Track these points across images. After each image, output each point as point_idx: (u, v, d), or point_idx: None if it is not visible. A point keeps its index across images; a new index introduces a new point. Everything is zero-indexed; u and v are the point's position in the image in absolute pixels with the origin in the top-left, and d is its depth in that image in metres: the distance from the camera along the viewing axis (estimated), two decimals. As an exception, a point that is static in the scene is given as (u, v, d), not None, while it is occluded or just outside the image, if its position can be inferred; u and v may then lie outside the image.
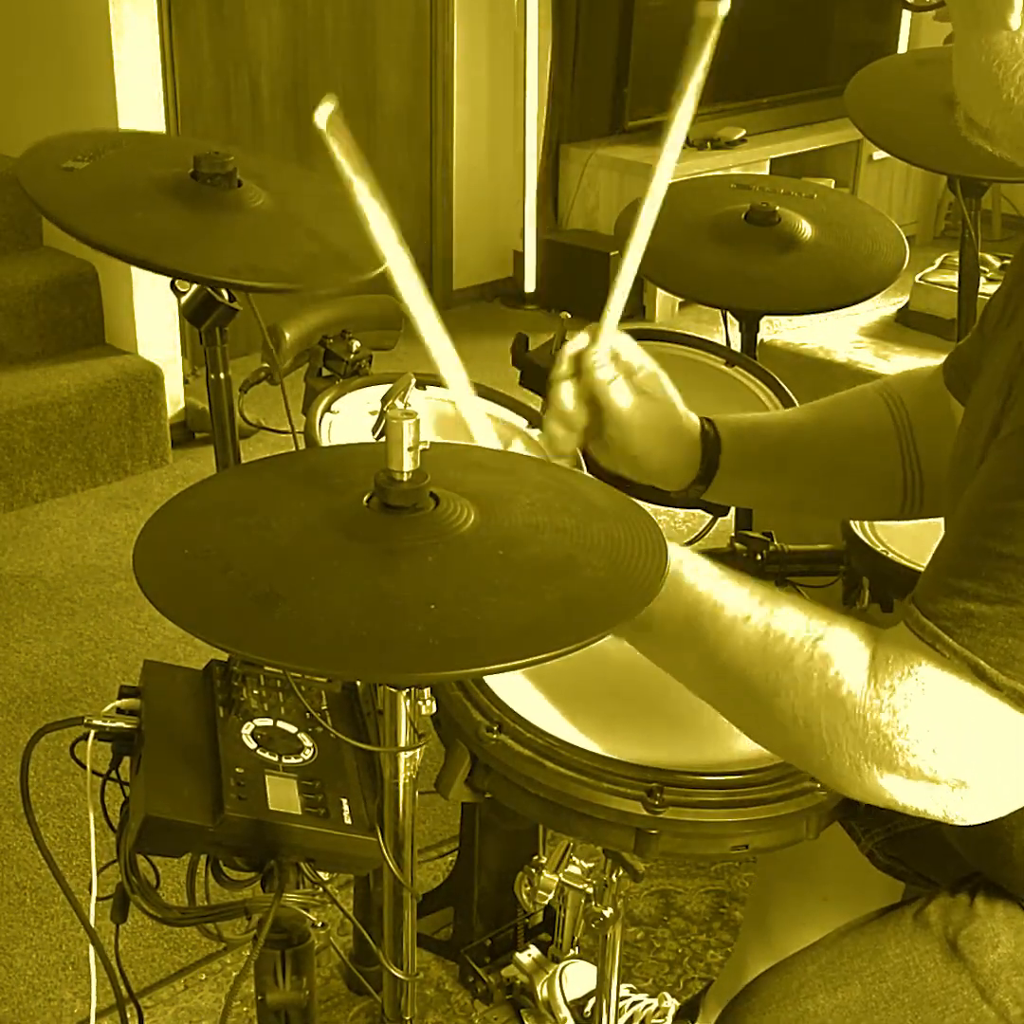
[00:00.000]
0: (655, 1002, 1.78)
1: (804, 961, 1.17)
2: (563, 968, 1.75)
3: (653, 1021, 1.67)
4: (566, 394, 1.29)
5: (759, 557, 1.88)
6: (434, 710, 1.13)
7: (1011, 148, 1.01)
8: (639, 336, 1.97)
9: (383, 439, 1.04)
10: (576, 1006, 1.73)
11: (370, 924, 1.68)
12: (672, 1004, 1.79)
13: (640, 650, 1.10)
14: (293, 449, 1.51)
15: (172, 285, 1.60)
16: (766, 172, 4.76)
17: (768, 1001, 1.14)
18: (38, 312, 3.56)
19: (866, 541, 1.70)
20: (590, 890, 1.29)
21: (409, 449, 1.02)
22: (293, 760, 1.17)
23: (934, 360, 1.38)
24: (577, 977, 1.76)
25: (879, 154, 5.04)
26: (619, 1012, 1.60)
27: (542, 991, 1.74)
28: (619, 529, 1.06)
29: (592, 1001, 1.67)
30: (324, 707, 1.24)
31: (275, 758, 1.16)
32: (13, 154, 3.66)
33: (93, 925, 1.14)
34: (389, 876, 1.19)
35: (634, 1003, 1.75)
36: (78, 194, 1.55)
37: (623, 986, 1.67)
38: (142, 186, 1.59)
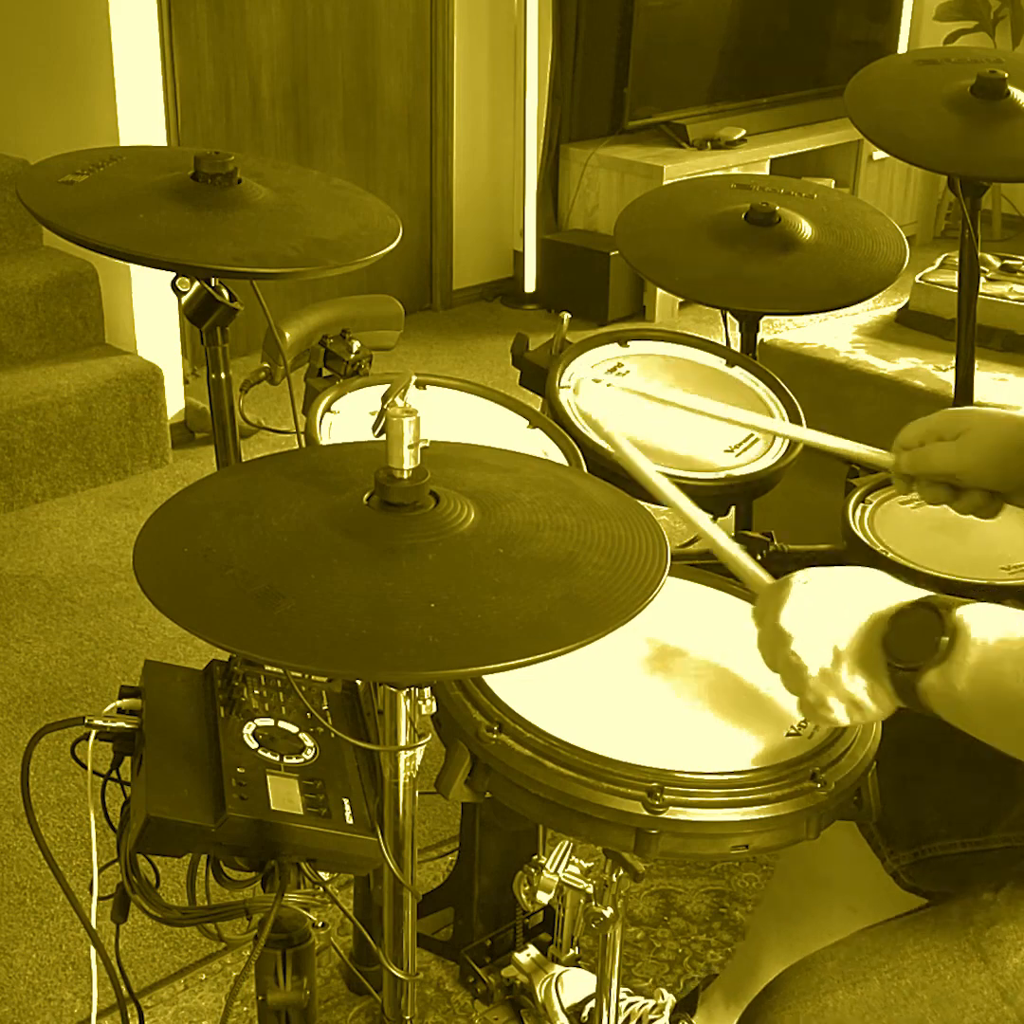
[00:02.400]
0: (652, 1001, 1.78)
1: (823, 958, 1.17)
2: (561, 975, 1.75)
3: (650, 1017, 1.67)
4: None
5: (759, 557, 1.88)
6: (434, 710, 1.13)
7: None
8: (639, 336, 1.98)
9: (383, 437, 1.04)
10: (574, 1011, 1.72)
11: (370, 924, 1.68)
12: (669, 999, 1.79)
13: (957, 723, 1.05)
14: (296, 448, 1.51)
15: (173, 285, 1.60)
16: (766, 172, 4.76)
17: (788, 997, 1.15)
18: (38, 312, 3.55)
19: (866, 541, 1.69)
20: (590, 890, 1.29)
21: (409, 447, 1.02)
22: (294, 760, 1.17)
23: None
24: (575, 984, 1.76)
25: (879, 154, 5.04)
26: (619, 1014, 1.59)
27: (541, 992, 1.74)
28: (620, 527, 1.06)
29: (589, 1005, 1.67)
30: (325, 707, 1.24)
31: (276, 758, 1.16)
32: (13, 154, 3.67)
33: (93, 925, 1.14)
34: (389, 876, 1.19)
35: (630, 1004, 1.75)
36: (79, 202, 1.55)
37: (622, 989, 1.67)
38: (143, 191, 1.59)
